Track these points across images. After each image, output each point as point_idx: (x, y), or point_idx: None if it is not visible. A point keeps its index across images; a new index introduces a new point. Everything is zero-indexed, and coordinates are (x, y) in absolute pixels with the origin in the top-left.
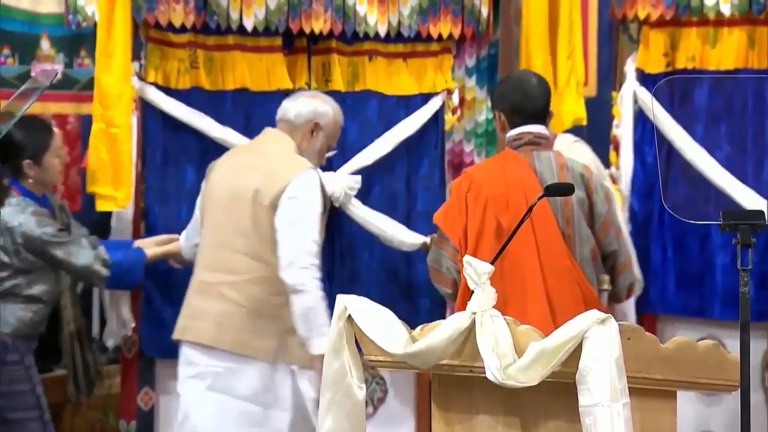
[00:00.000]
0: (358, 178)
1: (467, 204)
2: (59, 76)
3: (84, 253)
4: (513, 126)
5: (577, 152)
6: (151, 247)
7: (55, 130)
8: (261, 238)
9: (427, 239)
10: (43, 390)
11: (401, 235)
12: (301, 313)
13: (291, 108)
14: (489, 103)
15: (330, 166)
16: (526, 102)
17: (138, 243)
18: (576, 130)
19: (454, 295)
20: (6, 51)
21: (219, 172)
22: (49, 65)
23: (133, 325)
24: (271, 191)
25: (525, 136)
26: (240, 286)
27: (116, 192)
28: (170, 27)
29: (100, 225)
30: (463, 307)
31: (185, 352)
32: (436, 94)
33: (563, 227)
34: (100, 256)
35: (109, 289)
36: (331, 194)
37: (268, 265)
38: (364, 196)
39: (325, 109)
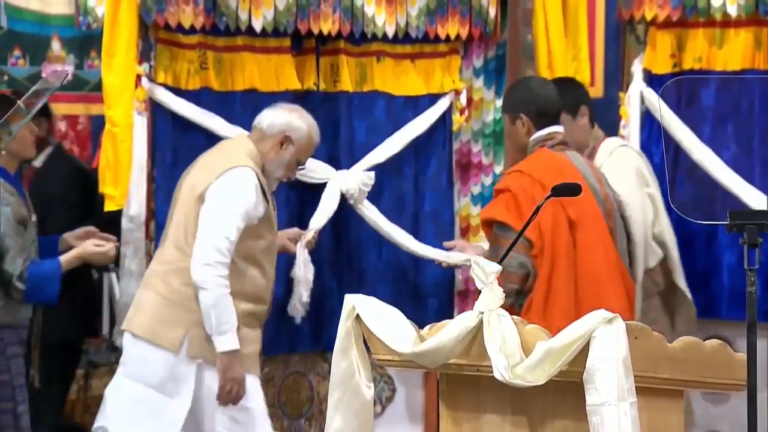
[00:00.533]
0: (372, 174)
1: (534, 199)
2: (69, 76)
3: (17, 262)
4: (540, 127)
5: (620, 157)
6: (71, 243)
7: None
8: (187, 230)
9: (441, 258)
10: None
11: (409, 244)
12: (204, 310)
13: (266, 117)
14: (500, 106)
15: (339, 166)
16: (551, 103)
17: (65, 236)
18: None
19: (521, 291)
20: (17, 52)
21: (186, 172)
22: (60, 66)
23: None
24: (202, 184)
25: (557, 136)
26: (162, 276)
27: (117, 190)
28: (180, 28)
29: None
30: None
31: (123, 340)
32: (444, 94)
33: (606, 220)
34: (24, 270)
35: (27, 302)
36: (345, 191)
37: (187, 256)
38: (372, 196)
39: (300, 124)
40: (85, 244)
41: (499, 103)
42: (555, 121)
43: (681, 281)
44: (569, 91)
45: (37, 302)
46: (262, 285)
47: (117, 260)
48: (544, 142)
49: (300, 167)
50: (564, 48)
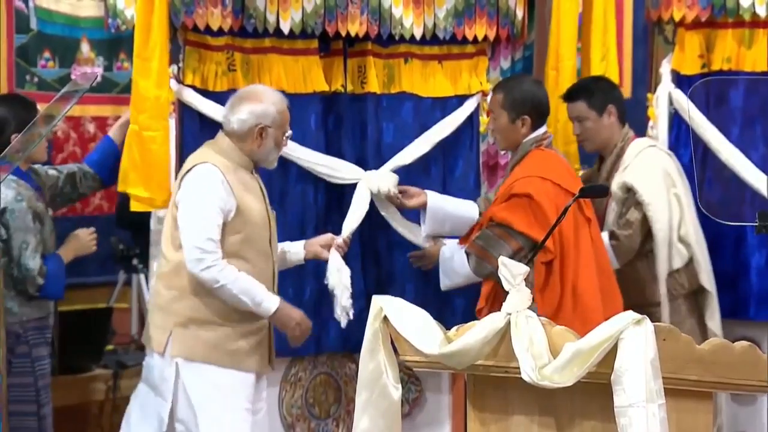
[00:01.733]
0: (395, 177)
1: (558, 207)
2: (99, 79)
3: (36, 257)
4: (537, 126)
5: (647, 157)
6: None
7: (39, 106)
8: (165, 236)
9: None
10: (49, 384)
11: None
12: (233, 300)
13: (232, 118)
14: (502, 102)
15: (366, 167)
16: (547, 105)
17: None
18: None
19: (490, 274)
20: (47, 54)
21: None
22: (89, 68)
23: None
24: (174, 191)
25: (549, 135)
26: (153, 283)
27: (152, 194)
28: (208, 30)
29: (136, 225)
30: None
31: None
32: (471, 95)
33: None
34: (42, 264)
35: (42, 297)
36: (377, 192)
37: (167, 260)
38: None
39: (264, 107)
40: (79, 236)
41: None
42: (545, 122)
43: (707, 283)
44: (598, 89)
45: (51, 297)
46: (252, 275)
47: (146, 262)
48: (540, 141)
49: (287, 136)
50: (572, 51)
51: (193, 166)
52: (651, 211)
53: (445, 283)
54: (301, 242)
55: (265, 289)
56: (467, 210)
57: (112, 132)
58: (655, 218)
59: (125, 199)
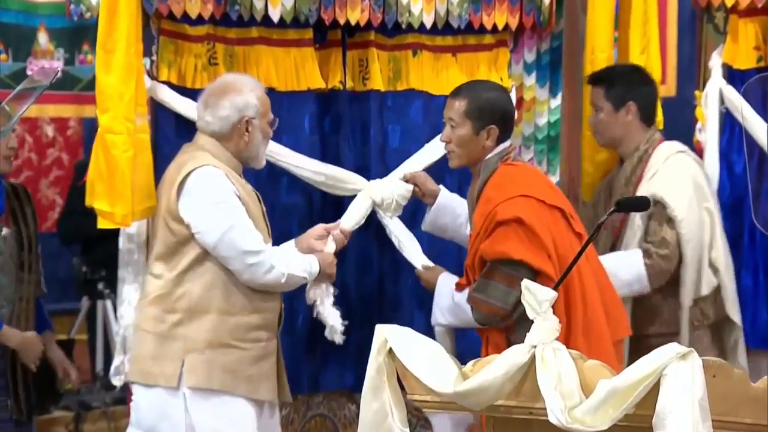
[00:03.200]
0: (410, 187)
1: (550, 227)
2: (59, 74)
3: None
4: (502, 140)
5: (676, 165)
6: None
7: None
8: (156, 252)
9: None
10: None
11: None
12: (296, 283)
13: (210, 118)
14: (466, 110)
15: (369, 175)
16: (514, 113)
17: None
18: None
19: (499, 323)
20: None
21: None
22: (48, 62)
23: None
24: (168, 205)
25: (514, 147)
26: (145, 310)
27: (113, 207)
28: (185, 18)
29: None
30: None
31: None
32: None
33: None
34: None
35: None
36: (380, 202)
37: (161, 279)
38: (408, 209)
39: (244, 98)
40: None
41: (555, 103)
42: (511, 135)
43: (734, 313)
44: (622, 80)
45: None
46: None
47: (113, 286)
48: (509, 154)
49: (273, 125)
50: (609, 43)
51: (192, 171)
52: (683, 228)
53: (438, 319)
54: (290, 241)
55: (300, 254)
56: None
57: None
58: (687, 238)
59: (70, 210)
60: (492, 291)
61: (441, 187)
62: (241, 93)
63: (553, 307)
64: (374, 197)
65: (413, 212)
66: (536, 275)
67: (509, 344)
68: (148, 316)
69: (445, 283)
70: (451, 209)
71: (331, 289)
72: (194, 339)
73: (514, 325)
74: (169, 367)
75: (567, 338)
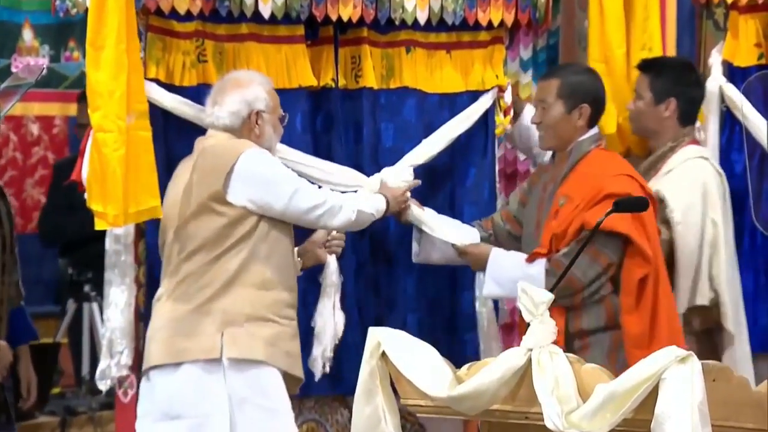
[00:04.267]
0: (410, 170)
1: (649, 214)
2: (45, 71)
3: None
4: (594, 122)
5: (691, 168)
6: None
7: None
8: (176, 236)
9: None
10: None
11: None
12: (367, 222)
13: (221, 113)
14: (558, 89)
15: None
16: (605, 96)
17: None
18: None
19: (568, 297)
20: None
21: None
22: (33, 59)
23: (130, 363)
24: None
25: (603, 137)
26: (172, 294)
27: (105, 207)
28: (174, 14)
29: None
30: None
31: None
32: (486, 91)
33: None
34: None
35: None
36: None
37: (190, 260)
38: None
39: (253, 91)
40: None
41: None
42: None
43: (731, 324)
44: (669, 75)
45: None
46: (292, 269)
47: (100, 288)
48: (599, 141)
49: (282, 120)
50: (623, 36)
51: (239, 155)
52: (678, 233)
53: (494, 291)
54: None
55: (365, 192)
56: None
57: None
58: (682, 242)
59: (51, 208)
60: (578, 261)
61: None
62: (249, 87)
63: (640, 299)
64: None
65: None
66: (624, 254)
67: (576, 333)
68: (173, 300)
69: (505, 256)
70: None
71: (342, 325)
72: (232, 312)
73: (578, 311)
74: (207, 340)
75: (650, 338)
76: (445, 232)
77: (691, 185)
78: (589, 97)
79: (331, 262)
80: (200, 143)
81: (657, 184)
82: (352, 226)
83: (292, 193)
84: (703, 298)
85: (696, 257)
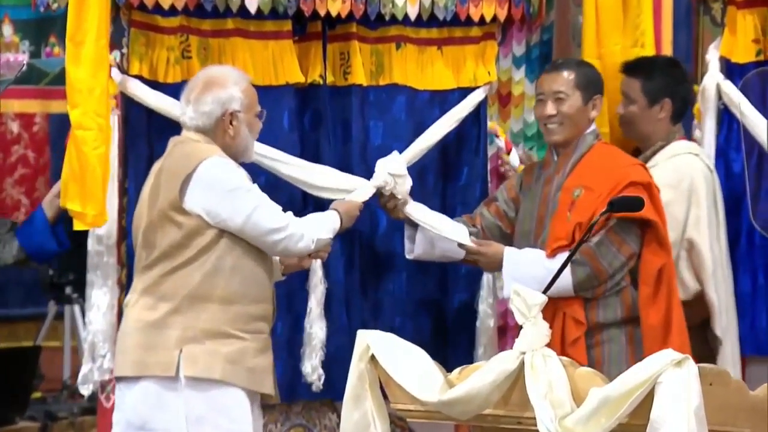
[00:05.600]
0: (397, 156)
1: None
2: (24, 67)
3: (13, 245)
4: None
5: (680, 163)
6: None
7: None
8: (145, 242)
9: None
10: None
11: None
12: (325, 242)
13: (194, 114)
14: (576, 80)
15: (351, 173)
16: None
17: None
18: None
19: (593, 288)
20: None
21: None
22: (12, 55)
23: (112, 367)
24: (173, 198)
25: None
26: (136, 303)
27: (84, 207)
28: (157, 9)
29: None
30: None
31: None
32: (478, 88)
33: None
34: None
35: (31, 260)
36: (381, 186)
37: (153, 270)
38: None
39: (228, 91)
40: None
41: None
42: None
43: (718, 328)
44: (661, 76)
45: (38, 259)
46: (264, 280)
47: (82, 290)
48: (599, 136)
49: (260, 117)
50: (619, 33)
51: (200, 162)
52: None
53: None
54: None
55: (319, 213)
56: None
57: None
58: None
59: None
60: (604, 250)
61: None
62: (224, 86)
63: (658, 288)
64: (377, 183)
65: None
66: (644, 243)
67: (587, 322)
68: (139, 308)
69: (521, 254)
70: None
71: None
72: (192, 327)
73: (597, 302)
74: (165, 355)
75: (665, 329)
76: (449, 230)
77: (676, 178)
78: (600, 89)
79: (317, 269)
80: (172, 143)
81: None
82: (309, 252)
83: (251, 211)
84: (685, 294)
85: (675, 252)
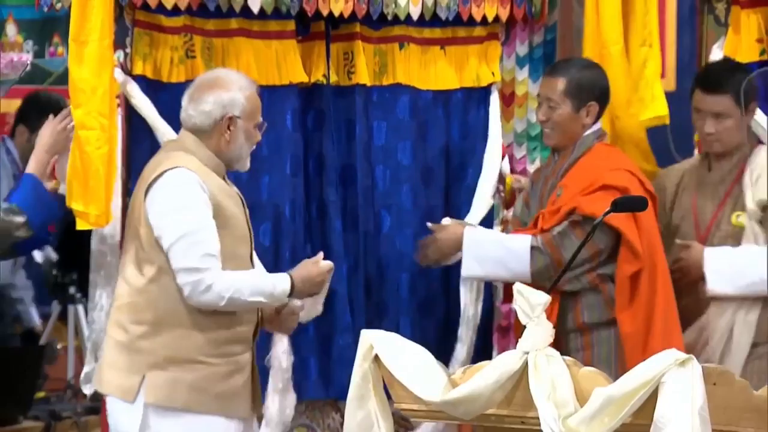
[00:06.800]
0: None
1: (648, 212)
2: (28, 67)
3: None
4: (601, 114)
5: None
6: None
7: None
8: (127, 257)
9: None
10: None
11: None
12: (248, 309)
13: (192, 111)
14: (565, 88)
15: (354, 173)
16: (609, 89)
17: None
18: (651, 132)
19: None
20: None
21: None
22: (17, 55)
23: None
24: (138, 204)
25: (605, 131)
26: (113, 315)
27: (88, 207)
28: (161, 8)
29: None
30: None
31: None
32: (481, 88)
33: None
34: (2, 205)
35: (35, 233)
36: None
37: (131, 287)
38: (396, 210)
39: (230, 95)
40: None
41: None
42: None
43: None
44: (742, 80)
45: (46, 225)
46: None
47: (85, 290)
48: (602, 136)
49: (260, 127)
50: (619, 33)
51: (163, 172)
52: None
53: (474, 270)
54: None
55: (264, 273)
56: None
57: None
58: None
59: None
60: (566, 242)
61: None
62: (228, 90)
63: (634, 295)
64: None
65: (425, 213)
66: (616, 247)
67: (577, 327)
68: (114, 323)
69: (482, 232)
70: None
71: (320, 308)
72: (157, 354)
73: (580, 302)
74: (127, 379)
75: (645, 336)
76: None
77: None
78: (595, 93)
79: (280, 342)
80: (165, 146)
81: (758, 194)
82: (222, 309)
83: (176, 239)
84: None
85: None
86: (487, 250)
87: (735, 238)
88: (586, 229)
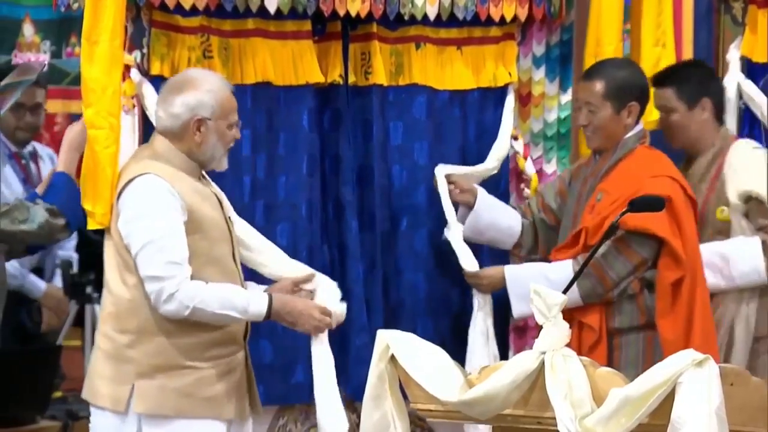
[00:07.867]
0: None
1: (689, 217)
2: (46, 67)
3: (36, 211)
4: (642, 114)
5: (760, 160)
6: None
7: None
8: (109, 266)
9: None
10: None
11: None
12: (216, 323)
13: (162, 114)
14: (604, 91)
15: (372, 173)
16: (649, 87)
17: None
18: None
19: (599, 297)
20: None
21: None
22: (34, 55)
23: None
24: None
25: (647, 132)
26: (100, 324)
27: (95, 207)
28: (178, 9)
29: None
30: None
31: None
32: (498, 88)
33: None
34: (44, 206)
35: (70, 234)
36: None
37: (114, 296)
38: (410, 210)
39: (199, 96)
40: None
41: (566, 98)
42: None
43: None
44: (692, 78)
45: (77, 226)
46: None
47: (100, 289)
48: (644, 138)
49: (236, 126)
50: (615, 33)
51: (132, 179)
52: None
53: (523, 310)
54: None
55: (241, 290)
56: (512, 221)
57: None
58: None
59: None
60: (611, 259)
61: (477, 187)
62: (196, 91)
63: (675, 302)
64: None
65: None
66: (659, 257)
67: (607, 331)
68: (101, 333)
69: (522, 270)
70: (493, 206)
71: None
72: (143, 363)
73: (612, 309)
74: (118, 390)
75: (684, 340)
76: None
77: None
78: (635, 93)
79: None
80: (137, 152)
81: (739, 186)
82: (187, 319)
83: (142, 246)
84: None
85: None
86: (524, 285)
87: (723, 233)
88: (632, 245)
